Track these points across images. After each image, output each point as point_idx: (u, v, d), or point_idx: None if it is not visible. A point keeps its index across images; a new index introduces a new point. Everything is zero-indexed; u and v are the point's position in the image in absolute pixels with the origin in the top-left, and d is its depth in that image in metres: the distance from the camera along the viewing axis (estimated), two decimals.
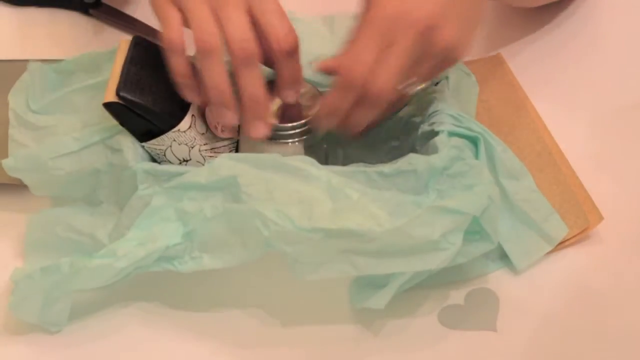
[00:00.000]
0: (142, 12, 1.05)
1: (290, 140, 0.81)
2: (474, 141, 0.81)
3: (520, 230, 0.81)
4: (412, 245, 0.73)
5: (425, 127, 0.81)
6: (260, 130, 0.79)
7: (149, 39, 0.82)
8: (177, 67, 0.77)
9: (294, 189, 0.75)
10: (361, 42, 0.77)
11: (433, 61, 0.78)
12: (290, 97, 0.80)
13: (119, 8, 1.05)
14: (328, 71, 0.79)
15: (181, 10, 0.76)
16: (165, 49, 0.76)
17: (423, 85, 0.80)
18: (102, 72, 0.85)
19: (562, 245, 0.82)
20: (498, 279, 0.81)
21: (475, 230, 0.75)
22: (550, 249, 0.81)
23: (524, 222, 0.81)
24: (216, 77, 0.76)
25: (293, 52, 0.77)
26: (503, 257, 0.82)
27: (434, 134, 0.80)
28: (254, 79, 0.76)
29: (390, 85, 0.77)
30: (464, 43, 0.79)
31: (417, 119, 0.85)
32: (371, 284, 0.77)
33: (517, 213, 0.81)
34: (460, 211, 0.73)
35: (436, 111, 0.81)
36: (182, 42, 0.76)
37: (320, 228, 0.73)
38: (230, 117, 0.78)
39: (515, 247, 0.81)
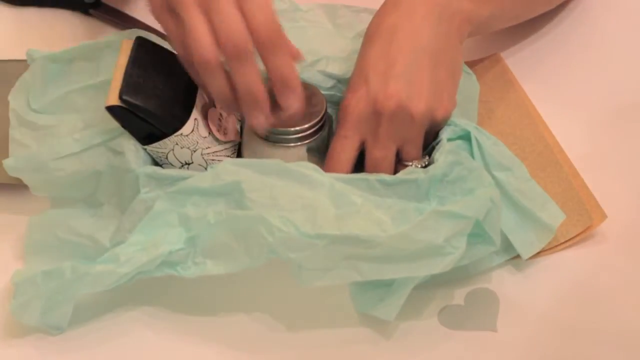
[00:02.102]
0: (142, 12, 1.04)
1: (292, 144, 0.81)
2: (467, 138, 0.81)
3: (521, 220, 0.80)
4: (417, 250, 0.73)
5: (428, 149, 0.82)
6: (260, 121, 0.78)
7: (152, 39, 0.82)
8: (217, 86, 0.77)
9: (297, 194, 0.75)
10: (337, 134, 0.81)
11: (418, 134, 0.80)
12: (289, 103, 0.78)
13: (119, 8, 1.05)
14: None
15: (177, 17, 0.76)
16: (198, 67, 0.75)
17: (423, 164, 0.81)
18: (99, 64, 0.84)
19: (565, 244, 0.82)
20: (498, 279, 0.81)
21: (477, 233, 0.75)
22: (551, 236, 0.81)
23: (522, 212, 0.80)
24: (218, 86, 0.76)
25: (272, 41, 0.75)
26: (507, 249, 0.81)
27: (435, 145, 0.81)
28: (248, 72, 0.75)
29: (379, 169, 0.80)
30: (440, 105, 0.81)
31: None
32: (371, 283, 0.77)
33: (514, 204, 0.80)
34: (463, 215, 0.73)
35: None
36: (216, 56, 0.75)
37: (324, 234, 0.73)
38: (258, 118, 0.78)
39: (519, 238, 0.80)
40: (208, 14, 0.74)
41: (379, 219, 0.74)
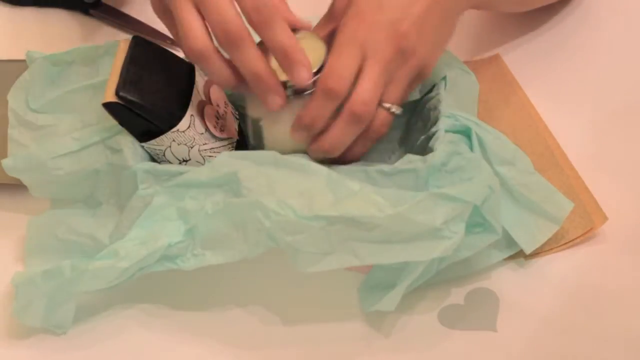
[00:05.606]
0: (142, 12, 1.05)
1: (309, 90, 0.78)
2: (467, 134, 0.81)
3: (524, 215, 0.80)
4: (415, 233, 0.72)
5: (424, 137, 0.82)
6: (275, 102, 0.77)
7: (149, 38, 0.82)
8: (216, 76, 0.76)
9: (294, 182, 0.75)
10: (339, 50, 0.77)
11: (406, 79, 0.79)
12: (298, 76, 0.76)
13: (118, 8, 1.05)
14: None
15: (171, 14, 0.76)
16: (191, 59, 0.75)
17: (399, 110, 0.80)
18: (98, 66, 0.84)
19: (566, 245, 0.82)
20: (498, 279, 0.81)
21: (478, 222, 0.75)
22: (557, 228, 0.80)
23: (526, 206, 0.80)
24: (217, 75, 0.76)
25: (262, 17, 0.74)
26: (509, 245, 0.81)
27: (432, 135, 0.80)
28: (247, 58, 0.74)
29: (366, 98, 0.76)
30: (435, 60, 0.81)
31: (418, 125, 0.85)
32: (380, 285, 0.77)
33: (518, 198, 0.80)
34: (460, 199, 0.73)
35: (436, 117, 0.81)
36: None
37: (321, 216, 0.72)
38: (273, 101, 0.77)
39: (521, 232, 0.80)
40: (199, 6, 0.74)
41: (376, 201, 0.73)
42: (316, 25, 0.82)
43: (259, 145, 0.82)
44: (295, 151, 0.79)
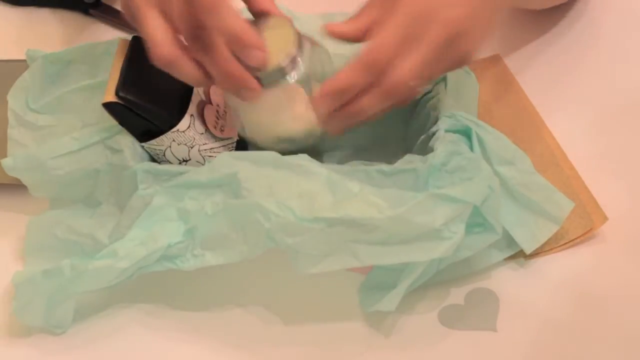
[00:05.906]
0: None
1: (286, 79, 0.77)
2: (467, 134, 0.81)
3: (524, 215, 0.80)
4: (414, 234, 0.72)
5: (424, 137, 0.82)
6: (249, 96, 0.75)
7: None
8: (186, 77, 0.75)
9: (294, 183, 0.75)
10: (389, 28, 0.75)
11: (448, 64, 0.78)
12: (252, 58, 0.74)
13: (118, 8, 1.05)
14: (341, 37, 0.77)
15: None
16: (160, 67, 0.74)
17: (429, 86, 0.80)
18: (98, 65, 0.84)
19: (566, 245, 0.82)
20: (498, 279, 0.81)
21: (478, 222, 0.75)
22: (557, 228, 0.80)
23: (526, 206, 0.80)
24: (187, 76, 0.75)
25: (211, 9, 0.71)
26: (509, 245, 0.81)
27: (432, 135, 0.80)
28: (217, 61, 0.73)
29: (408, 78, 0.75)
30: (478, 50, 0.79)
31: (418, 125, 0.85)
32: (380, 285, 0.77)
33: (518, 198, 0.80)
34: (460, 200, 0.73)
35: (436, 117, 0.81)
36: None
37: (321, 218, 0.72)
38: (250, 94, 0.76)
39: (521, 232, 0.80)
40: (164, 9, 0.73)
41: (376, 202, 0.73)
42: (362, 8, 0.79)
43: (241, 131, 0.81)
44: (274, 137, 0.79)
